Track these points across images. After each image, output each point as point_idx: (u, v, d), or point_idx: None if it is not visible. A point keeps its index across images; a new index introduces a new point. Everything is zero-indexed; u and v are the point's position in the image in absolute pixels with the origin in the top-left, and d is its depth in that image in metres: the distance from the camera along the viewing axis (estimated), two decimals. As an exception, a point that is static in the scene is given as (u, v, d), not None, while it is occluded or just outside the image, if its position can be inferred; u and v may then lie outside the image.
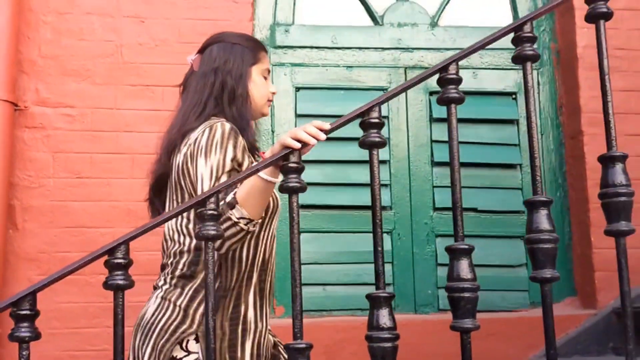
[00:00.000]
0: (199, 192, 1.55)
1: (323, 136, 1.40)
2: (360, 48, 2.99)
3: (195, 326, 1.58)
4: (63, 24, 2.75)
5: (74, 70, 2.73)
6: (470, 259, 1.30)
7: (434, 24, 3.04)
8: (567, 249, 2.85)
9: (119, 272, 1.14)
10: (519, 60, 1.38)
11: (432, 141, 2.92)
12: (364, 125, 1.35)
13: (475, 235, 2.69)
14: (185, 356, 1.57)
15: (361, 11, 3.07)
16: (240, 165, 1.60)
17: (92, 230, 2.62)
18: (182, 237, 1.64)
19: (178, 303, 1.61)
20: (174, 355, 1.57)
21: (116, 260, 1.14)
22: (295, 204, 1.28)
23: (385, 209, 2.85)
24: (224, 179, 1.55)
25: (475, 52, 1.43)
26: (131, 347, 1.65)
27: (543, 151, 2.95)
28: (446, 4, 3.08)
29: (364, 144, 1.35)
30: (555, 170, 2.94)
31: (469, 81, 2.95)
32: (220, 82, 1.73)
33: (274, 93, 1.83)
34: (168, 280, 1.65)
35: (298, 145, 1.33)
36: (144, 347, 1.62)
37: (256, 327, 1.65)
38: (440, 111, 2.94)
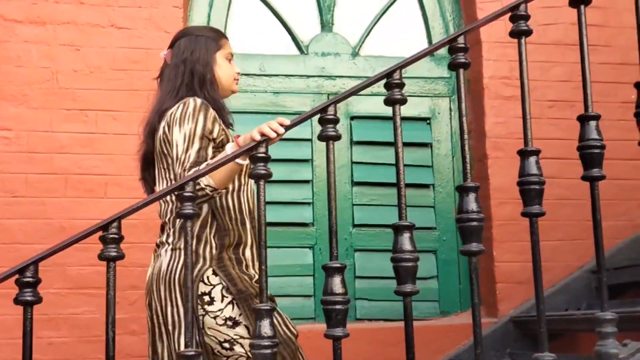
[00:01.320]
0: (174, 155, 1.86)
1: (282, 130, 1.70)
2: (286, 75, 3.21)
3: (208, 262, 1.88)
4: (2, 52, 2.89)
5: (12, 95, 2.87)
6: (342, 275, 1.50)
7: (355, 54, 3.28)
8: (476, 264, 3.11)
9: (28, 290, 1.33)
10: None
11: (352, 162, 3.16)
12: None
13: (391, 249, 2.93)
14: (212, 288, 1.85)
15: (288, 41, 3.29)
16: (211, 132, 1.89)
17: (27, 247, 2.75)
18: (173, 197, 1.89)
19: (179, 247, 1.88)
20: (202, 291, 1.85)
21: (25, 279, 1.32)
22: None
23: (307, 225, 3.08)
24: (196, 144, 1.84)
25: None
26: (153, 303, 1.90)
27: (454, 172, 3.21)
28: (367, 36, 3.32)
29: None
30: (465, 190, 3.20)
31: (386, 107, 3.18)
32: (190, 70, 2.03)
33: (238, 73, 2.15)
34: (171, 233, 1.93)
35: (261, 138, 1.62)
36: (170, 295, 1.87)
37: (253, 265, 1.95)
38: (359, 135, 3.18)
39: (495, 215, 3.00)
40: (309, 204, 3.08)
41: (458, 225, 1.56)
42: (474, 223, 1.54)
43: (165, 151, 1.93)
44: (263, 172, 1.55)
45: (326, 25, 3.30)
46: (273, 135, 1.67)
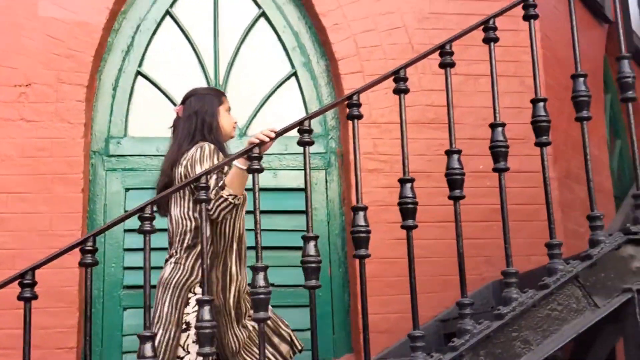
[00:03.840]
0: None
1: (272, 135, 2.28)
2: (181, 155, 3.66)
3: (199, 278, 2.39)
4: None
5: None
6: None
7: (242, 134, 3.76)
8: (347, 314, 3.56)
9: None
10: (300, 144, 2.21)
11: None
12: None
13: (275, 305, 3.35)
14: (194, 296, 2.39)
15: (183, 125, 3.76)
16: (221, 170, 2.44)
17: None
18: (185, 221, 2.49)
19: (186, 264, 2.44)
20: (189, 297, 2.41)
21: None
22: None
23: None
24: (213, 177, 2.37)
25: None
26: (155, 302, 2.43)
27: (329, 235, 3.69)
28: (253, 117, 3.81)
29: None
30: (339, 250, 3.68)
31: (269, 180, 3.67)
32: (201, 119, 2.64)
33: (235, 122, 2.79)
34: (178, 251, 2.48)
35: (258, 141, 2.22)
36: (164, 297, 2.42)
37: (237, 278, 2.49)
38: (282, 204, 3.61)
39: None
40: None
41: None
42: (313, 265, 2.02)
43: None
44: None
45: (216, 110, 3.79)
46: (266, 139, 2.24)
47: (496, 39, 2.48)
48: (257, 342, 2.25)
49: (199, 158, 2.48)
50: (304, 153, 2.23)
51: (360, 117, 2.37)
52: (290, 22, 3.90)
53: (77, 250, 3.27)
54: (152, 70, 3.75)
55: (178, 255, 2.47)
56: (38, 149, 3.34)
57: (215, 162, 2.45)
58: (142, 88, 3.72)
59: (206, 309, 2.02)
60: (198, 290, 2.39)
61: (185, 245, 2.47)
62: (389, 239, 3.55)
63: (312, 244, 2.15)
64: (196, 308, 2.25)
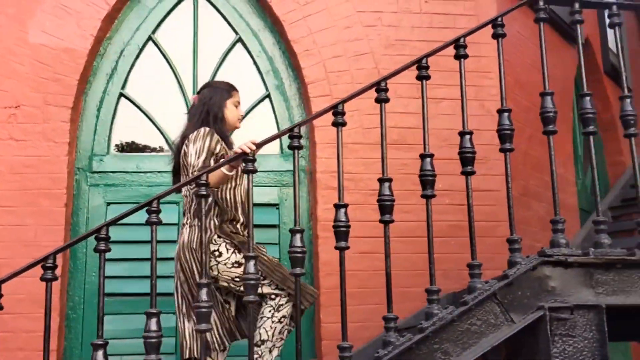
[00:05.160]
0: (189, 163, 2.81)
1: (253, 147, 2.53)
2: (159, 172, 3.92)
3: (213, 231, 2.82)
4: None
5: None
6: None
7: (218, 153, 4.03)
8: (312, 322, 3.81)
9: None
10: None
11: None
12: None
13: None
14: (219, 246, 2.81)
15: (163, 143, 4.03)
16: (214, 149, 2.82)
17: None
18: (191, 193, 2.86)
19: (199, 225, 2.63)
20: (212, 249, 2.80)
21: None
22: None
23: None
24: (202, 156, 2.77)
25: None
26: (180, 266, 2.83)
27: (297, 248, 3.93)
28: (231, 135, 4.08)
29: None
30: (305, 262, 3.92)
31: (242, 196, 3.92)
32: (207, 110, 2.99)
33: (242, 115, 3.16)
34: (190, 217, 2.87)
35: (240, 151, 2.55)
36: (191, 257, 2.78)
37: (242, 234, 2.86)
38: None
39: (323, 284, 3.72)
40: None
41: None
42: (252, 282, 2.27)
43: (185, 163, 2.86)
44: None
45: (194, 130, 4.06)
46: (248, 150, 2.51)
47: (427, 77, 2.70)
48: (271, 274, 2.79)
49: (193, 138, 2.84)
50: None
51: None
52: (265, 47, 4.16)
53: (58, 260, 3.56)
54: (135, 92, 4.03)
55: (191, 220, 2.87)
56: (25, 166, 3.62)
57: (207, 143, 2.81)
58: (125, 109, 4.00)
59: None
60: (218, 240, 2.81)
61: (193, 210, 2.88)
62: (352, 253, 3.77)
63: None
64: (223, 254, 2.78)
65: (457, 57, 2.73)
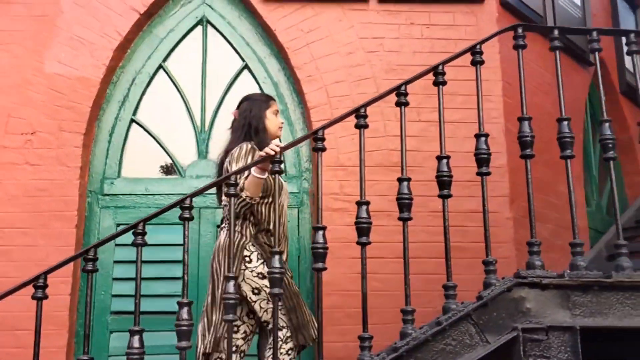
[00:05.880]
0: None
1: (278, 149, 2.64)
2: (167, 194, 4.08)
3: (248, 238, 2.95)
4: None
5: None
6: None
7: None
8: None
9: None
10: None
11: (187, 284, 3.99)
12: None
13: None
14: (251, 254, 2.93)
15: (171, 166, 4.20)
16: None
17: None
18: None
19: (238, 230, 2.92)
20: (244, 255, 2.92)
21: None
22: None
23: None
24: (245, 174, 2.85)
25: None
26: (215, 265, 2.97)
27: (299, 268, 4.04)
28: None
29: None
30: (307, 283, 4.03)
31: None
32: (248, 122, 3.12)
33: (282, 122, 3.26)
34: (227, 222, 2.96)
35: (265, 154, 2.69)
36: (224, 258, 2.92)
37: (277, 245, 2.75)
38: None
39: (324, 303, 3.79)
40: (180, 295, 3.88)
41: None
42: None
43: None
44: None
45: (202, 153, 4.22)
46: (272, 152, 2.63)
47: (406, 103, 2.79)
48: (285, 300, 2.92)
49: (236, 157, 2.98)
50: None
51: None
52: (270, 73, 4.30)
53: (68, 279, 3.73)
54: (145, 118, 4.21)
55: (227, 225, 2.97)
56: (39, 190, 3.82)
57: (249, 160, 2.94)
58: (136, 134, 4.19)
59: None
60: (251, 247, 2.93)
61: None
62: (351, 273, 3.88)
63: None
64: (252, 262, 2.91)
65: (436, 83, 2.82)
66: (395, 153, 4.12)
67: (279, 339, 2.87)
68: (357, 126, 2.73)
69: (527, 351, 2.50)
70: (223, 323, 2.85)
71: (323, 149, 2.64)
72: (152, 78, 4.26)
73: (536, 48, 4.61)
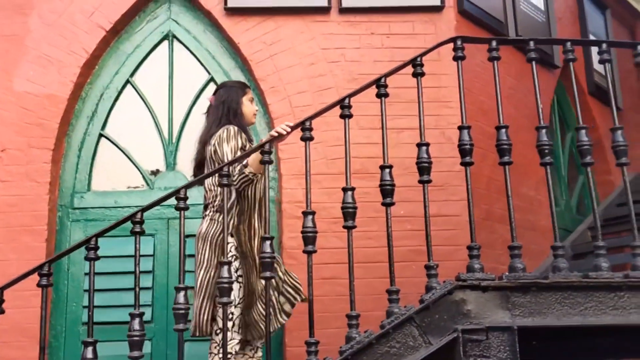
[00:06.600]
0: (226, 160, 3.05)
1: (288, 129, 2.92)
2: (136, 206, 4.18)
3: (230, 228, 3.08)
4: None
5: None
6: None
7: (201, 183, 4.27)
8: (280, 345, 4.00)
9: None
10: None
11: (184, 271, 4.08)
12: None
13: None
14: (230, 245, 3.06)
15: (140, 178, 4.30)
16: (243, 146, 3.14)
17: None
18: (215, 187, 3.17)
19: (219, 219, 3.09)
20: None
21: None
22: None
23: (149, 322, 3.98)
24: (237, 153, 3.05)
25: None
26: (196, 253, 3.16)
27: (266, 275, 4.14)
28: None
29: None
30: (273, 289, 4.12)
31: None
32: (227, 107, 3.28)
33: (256, 109, 3.46)
34: (211, 210, 3.16)
35: (276, 134, 2.93)
36: (204, 246, 3.10)
37: (259, 231, 3.15)
38: (191, 249, 4.12)
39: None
40: (149, 305, 3.99)
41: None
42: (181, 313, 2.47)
43: (215, 158, 3.15)
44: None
45: (169, 165, 4.32)
46: (283, 132, 2.90)
47: (350, 116, 2.90)
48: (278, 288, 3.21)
49: (225, 137, 3.12)
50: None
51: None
52: (236, 85, 4.41)
53: (39, 291, 3.81)
54: (114, 132, 4.32)
55: (212, 213, 3.16)
56: (9, 205, 3.92)
57: (238, 141, 3.12)
58: (105, 148, 4.29)
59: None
60: (230, 239, 3.07)
61: (216, 205, 3.16)
62: (315, 279, 3.96)
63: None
64: (230, 253, 3.07)
65: (379, 95, 2.93)
66: (357, 160, 4.23)
67: (216, 344, 3.05)
68: (302, 138, 2.83)
69: (468, 351, 2.60)
70: (203, 307, 3.06)
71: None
72: (119, 93, 4.37)
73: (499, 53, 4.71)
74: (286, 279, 3.32)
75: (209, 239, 3.11)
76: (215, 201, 3.19)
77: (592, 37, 6.26)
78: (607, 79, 3.05)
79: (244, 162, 3.01)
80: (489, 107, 4.74)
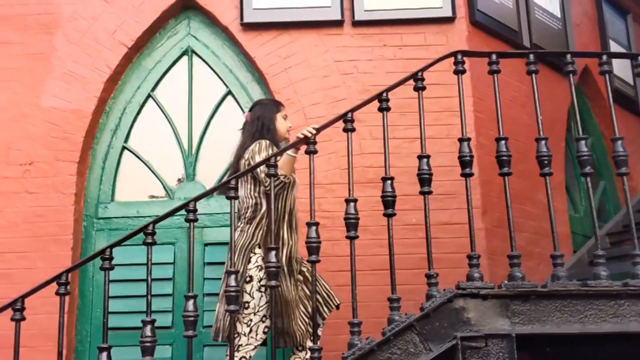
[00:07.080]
0: (259, 172, 3.29)
1: (314, 131, 3.00)
2: (157, 215, 4.32)
3: (257, 240, 3.27)
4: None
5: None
6: None
7: (210, 197, 4.42)
8: (292, 351, 4.11)
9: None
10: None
11: (204, 279, 4.24)
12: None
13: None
14: (255, 256, 3.24)
15: (160, 188, 4.47)
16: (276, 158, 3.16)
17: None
18: (248, 199, 3.34)
19: (248, 231, 3.28)
20: (250, 256, 3.25)
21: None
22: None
23: (169, 328, 4.13)
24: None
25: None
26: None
27: (282, 282, 4.25)
28: (219, 181, 4.47)
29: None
30: (289, 296, 4.24)
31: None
32: (261, 123, 3.48)
33: (290, 126, 3.63)
34: (243, 221, 3.33)
35: (302, 136, 3.03)
36: (232, 256, 3.05)
37: (288, 242, 3.33)
38: (210, 257, 4.27)
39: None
40: (170, 311, 4.15)
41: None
42: (191, 320, 2.60)
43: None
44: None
45: (189, 175, 4.48)
46: (309, 135, 2.97)
47: (352, 129, 3.00)
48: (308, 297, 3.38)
49: (257, 150, 3.32)
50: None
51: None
52: (252, 98, 4.54)
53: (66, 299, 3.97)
54: (136, 144, 4.50)
55: (243, 225, 3.33)
56: (37, 216, 4.12)
57: (269, 153, 3.25)
58: (127, 160, 4.47)
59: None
60: (257, 250, 3.26)
61: (247, 217, 3.32)
62: (332, 286, 4.09)
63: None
64: (256, 264, 3.23)
65: (380, 109, 3.02)
66: (370, 170, 4.33)
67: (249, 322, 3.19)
68: (306, 152, 2.94)
69: (467, 358, 2.68)
70: (225, 313, 3.21)
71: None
72: (141, 107, 4.54)
73: (513, 61, 4.76)
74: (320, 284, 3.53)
75: (237, 249, 3.27)
76: (247, 213, 3.35)
77: (612, 43, 6.25)
78: (607, 90, 3.09)
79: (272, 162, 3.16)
80: (503, 115, 4.79)
